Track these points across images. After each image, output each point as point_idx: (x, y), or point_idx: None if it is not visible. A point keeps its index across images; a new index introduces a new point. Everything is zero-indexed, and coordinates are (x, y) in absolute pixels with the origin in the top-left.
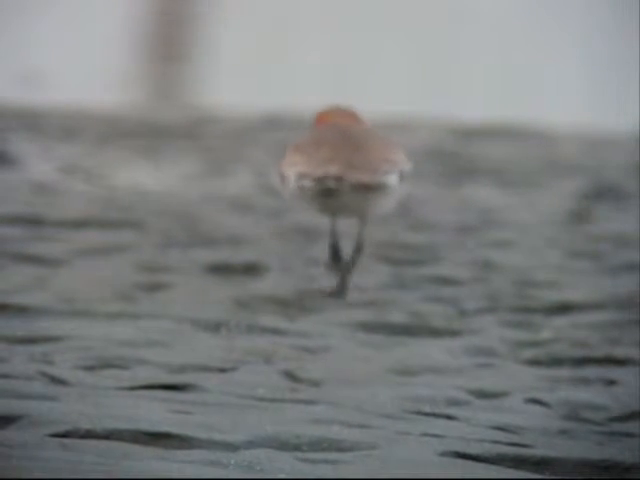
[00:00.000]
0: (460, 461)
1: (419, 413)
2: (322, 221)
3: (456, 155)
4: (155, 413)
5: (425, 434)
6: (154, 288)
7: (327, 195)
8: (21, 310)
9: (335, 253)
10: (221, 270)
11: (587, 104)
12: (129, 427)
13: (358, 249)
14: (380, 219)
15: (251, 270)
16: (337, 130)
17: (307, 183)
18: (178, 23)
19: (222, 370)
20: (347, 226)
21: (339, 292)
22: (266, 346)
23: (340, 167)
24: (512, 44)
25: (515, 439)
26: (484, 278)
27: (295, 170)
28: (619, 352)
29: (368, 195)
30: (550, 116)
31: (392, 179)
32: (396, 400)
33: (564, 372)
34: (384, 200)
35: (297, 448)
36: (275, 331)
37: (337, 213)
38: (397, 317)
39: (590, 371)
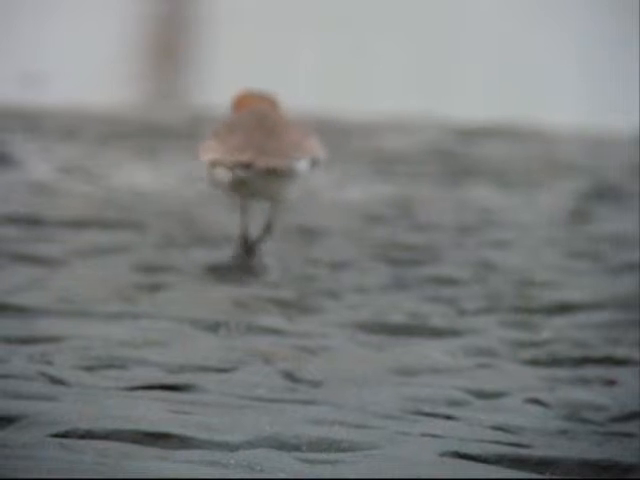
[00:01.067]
0: (460, 461)
1: (419, 413)
2: (323, 221)
3: (456, 155)
4: (154, 413)
5: (425, 434)
6: (154, 288)
7: (238, 182)
8: (20, 310)
9: (246, 244)
10: (220, 270)
11: (587, 104)
12: (128, 427)
13: (267, 229)
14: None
15: (251, 270)
16: (252, 116)
17: (220, 170)
18: (178, 23)
19: (222, 370)
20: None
21: (244, 267)
22: (266, 346)
23: (251, 154)
24: (512, 44)
25: (515, 439)
26: (484, 278)
27: (208, 157)
28: (619, 352)
29: (278, 181)
30: (550, 116)
31: (301, 165)
32: (396, 400)
33: (564, 372)
34: (294, 185)
35: (297, 448)
36: (275, 331)
37: (249, 198)
38: (397, 317)
39: (590, 371)
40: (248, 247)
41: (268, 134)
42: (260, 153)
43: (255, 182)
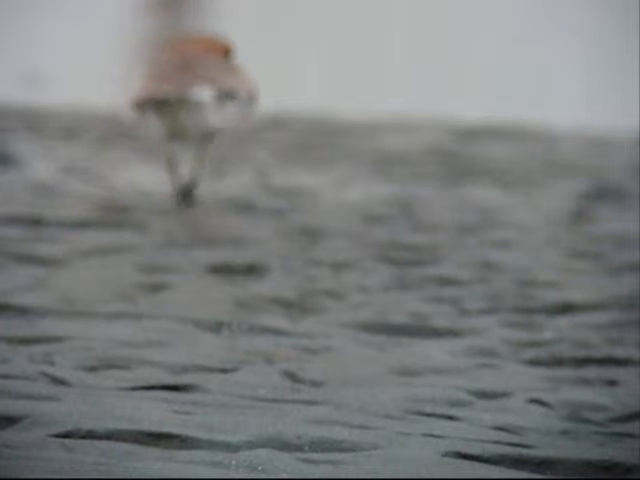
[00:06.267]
0: (461, 461)
1: (420, 413)
2: (324, 221)
3: (456, 155)
4: (156, 413)
5: (426, 434)
6: (155, 288)
7: (148, 117)
8: (22, 310)
9: (182, 191)
10: (222, 270)
11: (587, 104)
12: (130, 427)
13: (198, 161)
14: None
15: (252, 270)
16: (172, 57)
17: (137, 107)
18: (178, 23)
19: (223, 370)
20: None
21: (186, 197)
22: (267, 346)
23: (152, 88)
24: (512, 44)
25: (516, 439)
26: (485, 278)
27: (129, 100)
28: (620, 352)
29: (179, 110)
30: (550, 116)
31: (203, 96)
32: (397, 400)
33: (565, 372)
34: (201, 115)
35: (298, 448)
36: (276, 331)
37: (165, 135)
38: (398, 317)
39: (591, 371)
40: (185, 192)
41: (178, 69)
42: (160, 84)
43: (160, 113)
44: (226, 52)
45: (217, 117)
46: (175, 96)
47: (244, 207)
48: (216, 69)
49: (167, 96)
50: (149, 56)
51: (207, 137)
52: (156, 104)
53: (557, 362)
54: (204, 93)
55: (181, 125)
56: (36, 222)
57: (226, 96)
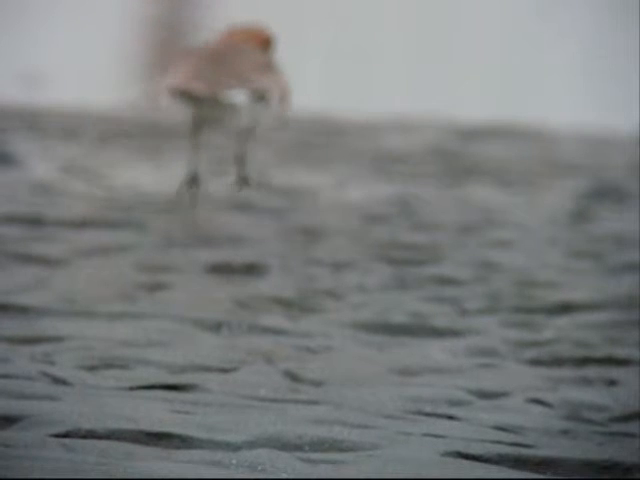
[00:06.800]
0: (461, 461)
1: (420, 413)
2: (323, 221)
3: (456, 155)
4: (156, 413)
5: (426, 434)
6: (155, 288)
7: (184, 109)
8: (22, 310)
9: (193, 179)
10: (222, 270)
11: (587, 104)
12: (130, 427)
13: (239, 160)
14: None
15: (252, 270)
16: (215, 47)
17: (169, 95)
18: (178, 23)
19: (223, 370)
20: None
21: (242, 182)
22: (267, 346)
23: (187, 82)
24: (512, 43)
25: (516, 439)
26: (485, 278)
27: (164, 84)
28: (620, 352)
29: (213, 108)
30: (550, 116)
31: (238, 96)
32: (397, 400)
33: (565, 372)
34: (235, 115)
35: (299, 448)
36: (276, 331)
37: (199, 127)
38: (398, 317)
39: (591, 371)
40: (192, 179)
41: (214, 64)
42: (194, 80)
43: (195, 109)
44: (266, 44)
45: (247, 117)
46: (206, 95)
47: (243, 207)
48: (252, 67)
49: (198, 93)
50: (188, 45)
51: (239, 136)
52: (187, 97)
53: (557, 362)
54: (236, 93)
55: (210, 122)
56: (36, 221)
57: (258, 97)
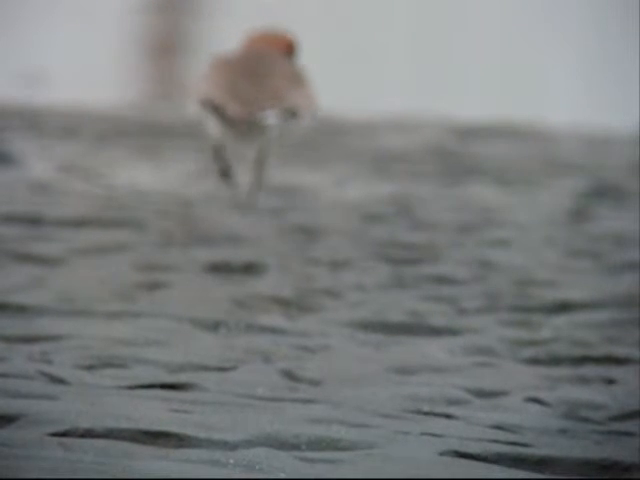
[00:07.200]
0: (459, 460)
1: (418, 412)
2: (322, 220)
3: (456, 155)
4: (154, 412)
5: (424, 433)
6: (153, 287)
7: (213, 125)
8: (20, 309)
9: (224, 172)
10: (221, 269)
11: (587, 103)
12: (128, 426)
13: (256, 180)
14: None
15: (250, 269)
16: (244, 57)
17: (199, 106)
18: (178, 22)
19: (221, 369)
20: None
21: (256, 187)
22: (265, 345)
23: (221, 99)
24: (512, 43)
25: (514, 438)
26: (483, 277)
27: (195, 96)
28: (619, 351)
29: (245, 128)
30: (550, 116)
31: (270, 116)
32: (395, 399)
33: (563, 371)
34: (265, 135)
35: (296, 447)
36: (274, 330)
37: (223, 135)
38: (396, 316)
39: (589, 370)
40: (224, 172)
41: (248, 80)
42: (230, 99)
43: (226, 126)
44: (290, 49)
45: (276, 133)
46: (241, 117)
47: (243, 207)
48: (285, 82)
49: (232, 114)
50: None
51: (264, 146)
52: (220, 114)
53: (555, 361)
54: (269, 115)
55: (240, 138)
56: (34, 221)
57: (290, 114)
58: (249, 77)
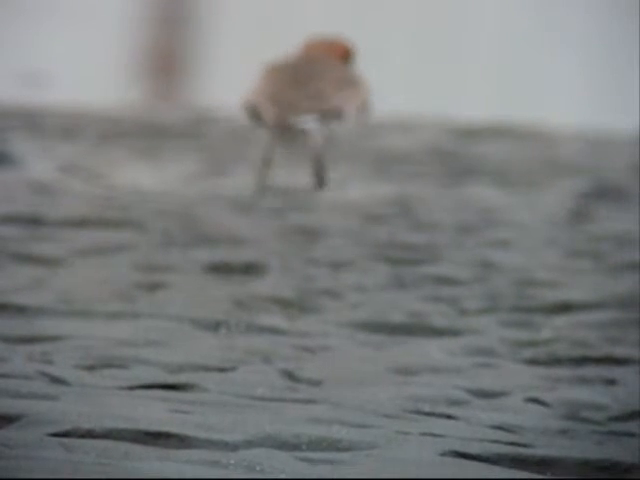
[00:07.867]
0: (460, 460)
1: (419, 413)
2: (323, 221)
3: (456, 155)
4: (154, 413)
5: (425, 434)
6: (153, 288)
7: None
8: (20, 310)
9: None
10: (221, 270)
11: (587, 104)
12: (128, 427)
13: (318, 174)
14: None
15: (251, 269)
16: (296, 63)
17: (251, 112)
18: (178, 22)
19: (221, 370)
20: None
21: (320, 183)
22: (265, 346)
23: (264, 105)
24: (512, 44)
25: (515, 439)
26: (484, 278)
27: (245, 98)
28: (619, 352)
29: (287, 132)
30: (550, 116)
31: (309, 121)
32: (396, 400)
33: (564, 372)
34: (310, 138)
35: (296, 448)
36: (274, 331)
37: (269, 138)
38: (397, 317)
39: (590, 370)
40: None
41: (292, 85)
42: (269, 105)
43: (268, 131)
44: (346, 56)
45: (321, 136)
46: (277, 122)
47: (243, 207)
48: (331, 85)
49: (269, 120)
50: (271, 59)
51: (313, 148)
52: (259, 118)
53: (556, 361)
54: (308, 119)
55: (282, 143)
56: (35, 221)
57: (332, 116)
58: (294, 82)
